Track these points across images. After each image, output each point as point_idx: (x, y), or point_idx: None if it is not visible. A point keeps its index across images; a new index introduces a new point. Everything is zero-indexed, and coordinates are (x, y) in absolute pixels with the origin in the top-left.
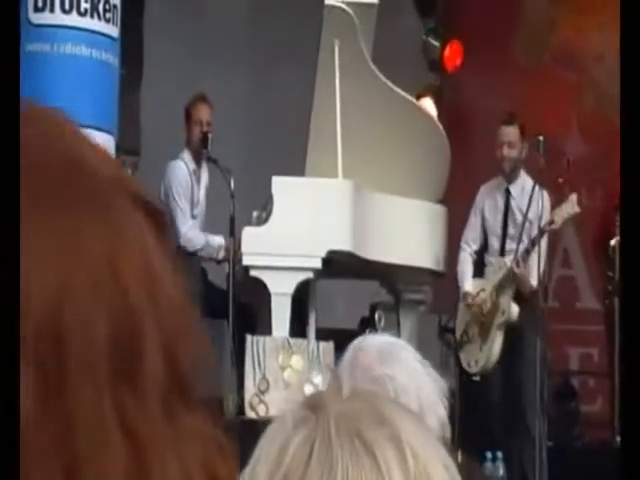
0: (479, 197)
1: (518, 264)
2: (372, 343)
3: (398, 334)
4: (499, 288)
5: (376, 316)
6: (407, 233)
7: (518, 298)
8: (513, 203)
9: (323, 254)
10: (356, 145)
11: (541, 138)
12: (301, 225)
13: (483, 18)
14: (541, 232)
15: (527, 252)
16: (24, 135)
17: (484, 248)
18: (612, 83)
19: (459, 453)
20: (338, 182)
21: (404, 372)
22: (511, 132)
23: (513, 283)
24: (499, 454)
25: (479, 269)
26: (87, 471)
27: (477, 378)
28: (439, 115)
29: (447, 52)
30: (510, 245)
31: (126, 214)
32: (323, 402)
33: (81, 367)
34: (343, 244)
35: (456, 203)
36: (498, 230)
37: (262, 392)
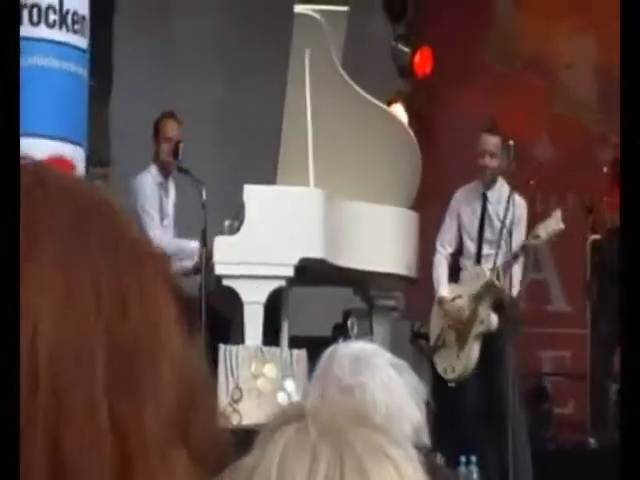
0: (455, 200)
1: (498, 276)
2: (345, 352)
3: (371, 340)
4: (477, 297)
5: (349, 323)
6: (379, 240)
7: (496, 307)
8: (490, 208)
9: (295, 262)
10: (327, 152)
11: (511, 143)
12: (273, 233)
13: (453, 24)
14: (524, 246)
15: (508, 264)
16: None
17: (459, 251)
18: (581, 88)
19: (438, 456)
20: (310, 190)
21: (376, 380)
22: (493, 142)
23: (492, 293)
24: (473, 458)
25: (454, 273)
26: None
27: (453, 384)
28: (409, 121)
29: (417, 58)
30: (487, 250)
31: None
32: (312, 411)
33: (78, 377)
34: (315, 251)
35: (427, 209)
36: (474, 234)
37: (235, 401)
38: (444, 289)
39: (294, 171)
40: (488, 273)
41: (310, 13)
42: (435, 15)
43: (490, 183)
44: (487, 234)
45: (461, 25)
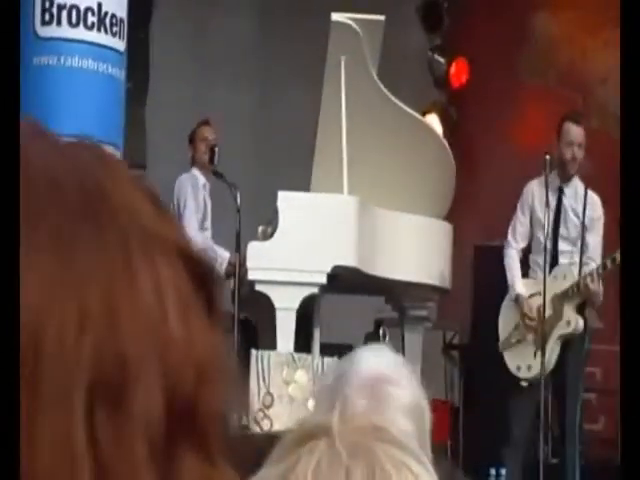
0: (527, 193)
1: (592, 279)
2: (358, 379)
3: (402, 350)
4: (563, 297)
5: (380, 332)
6: (412, 249)
7: (579, 310)
8: (566, 203)
9: (328, 269)
10: (361, 161)
11: (548, 157)
12: (306, 240)
13: (489, 35)
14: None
15: (604, 267)
16: (56, 164)
17: (530, 248)
18: (616, 103)
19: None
20: (344, 198)
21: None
22: (579, 131)
23: (580, 295)
24: (502, 471)
25: (522, 268)
26: None
27: (525, 384)
28: (444, 132)
29: (453, 69)
30: (563, 246)
31: (142, 255)
32: (332, 429)
33: (55, 391)
34: (348, 260)
35: (461, 220)
36: (548, 229)
37: (266, 407)
38: (520, 285)
39: (328, 178)
40: (576, 273)
41: (347, 21)
42: (471, 26)
43: (569, 177)
44: (562, 229)
45: (497, 36)
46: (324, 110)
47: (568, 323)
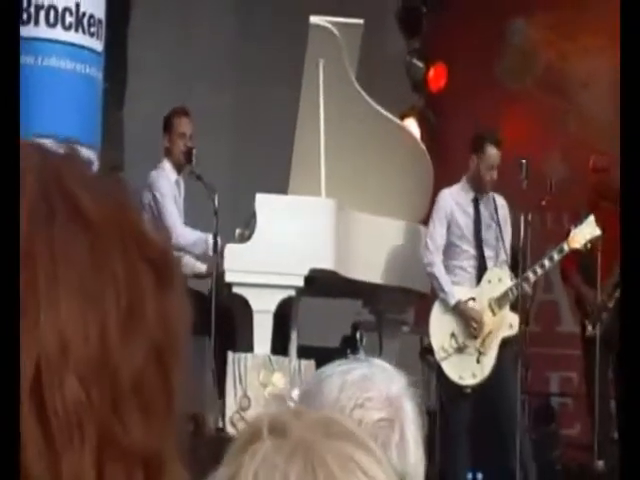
0: (444, 203)
1: (528, 281)
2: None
3: (379, 354)
4: (501, 300)
5: (358, 335)
6: (390, 253)
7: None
8: (482, 211)
9: (306, 272)
10: (339, 164)
11: (524, 161)
12: (284, 243)
13: (467, 40)
14: (560, 250)
15: (534, 272)
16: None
17: (444, 254)
18: (595, 108)
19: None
20: (321, 200)
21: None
22: (497, 155)
23: (513, 298)
24: (479, 475)
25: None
26: None
27: (469, 391)
28: (422, 136)
29: (431, 73)
30: (488, 252)
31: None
32: (288, 424)
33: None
34: (326, 263)
35: None
36: (471, 237)
37: (243, 409)
38: (456, 292)
39: (306, 180)
40: (508, 276)
41: (325, 24)
42: (450, 31)
43: (482, 191)
44: (484, 235)
45: (475, 41)
46: (302, 113)
47: (510, 326)
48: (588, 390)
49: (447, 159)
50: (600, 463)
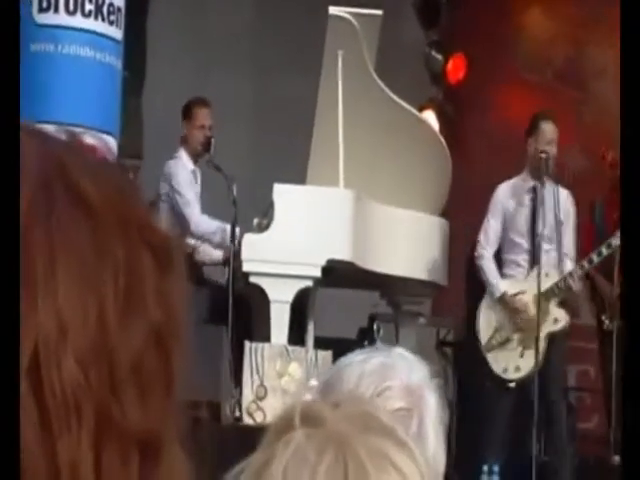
0: (499, 196)
1: (572, 276)
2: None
3: (397, 345)
4: (548, 294)
5: (375, 327)
6: (408, 245)
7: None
8: (540, 199)
9: (323, 263)
10: (358, 155)
11: (544, 155)
12: (302, 233)
13: (486, 31)
14: (609, 245)
15: (582, 267)
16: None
17: (501, 248)
18: (613, 99)
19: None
20: (340, 191)
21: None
22: (554, 130)
23: (562, 293)
24: (495, 468)
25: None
26: None
27: (512, 385)
28: (441, 128)
29: (450, 65)
30: (545, 246)
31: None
32: (322, 415)
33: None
34: (343, 254)
35: (457, 216)
36: (524, 230)
37: (260, 399)
38: (502, 284)
39: (324, 171)
40: (556, 271)
41: (344, 15)
42: (468, 22)
43: (542, 175)
44: (539, 228)
45: (494, 33)
46: (321, 104)
47: (555, 320)
48: (605, 384)
49: (466, 151)
50: (617, 457)
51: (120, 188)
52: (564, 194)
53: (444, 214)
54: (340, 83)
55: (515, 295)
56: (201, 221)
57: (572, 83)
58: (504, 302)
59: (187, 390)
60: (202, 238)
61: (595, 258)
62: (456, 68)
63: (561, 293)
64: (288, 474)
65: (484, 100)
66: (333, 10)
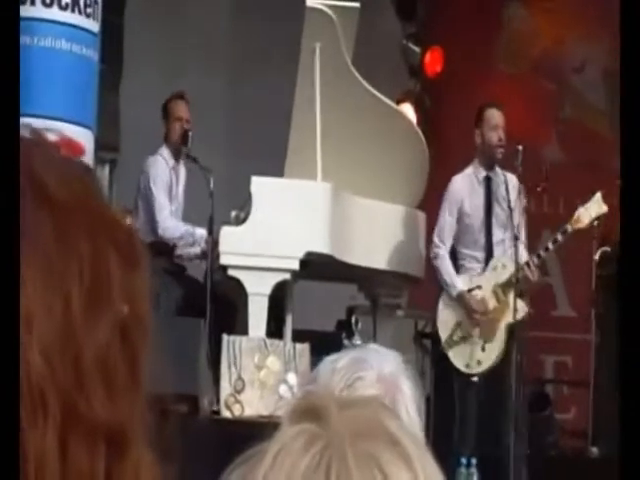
0: (453, 190)
1: (529, 266)
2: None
3: (374, 338)
4: (505, 286)
5: (352, 319)
6: (385, 237)
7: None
8: (494, 190)
9: (301, 255)
10: (335, 148)
11: (520, 147)
12: (279, 226)
13: (464, 24)
14: (564, 232)
15: (538, 256)
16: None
17: (456, 241)
18: (591, 93)
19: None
20: (317, 184)
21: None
22: (500, 115)
23: (519, 283)
24: (473, 460)
25: (454, 264)
26: None
27: (476, 379)
28: (418, 121)
29: (427, 58)
30: (497, 234)
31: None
32: (326, 412)
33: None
34: (321, 246)
35: (434, 209)
36: (480, 222)
37: (238, 392)
38: (458, 282)
39: (302, 164)
40: (512, 262)
41: (322, 7)
42: (446, 15)
43: (493, 164)
44: (493, 219)
45: (472, 25)
46: (298, 96)
47: (515, 311)
48: (596, 376)
49: (443, 144)
50: (594, 449)
51: (84, 185)
52: (513, 180)
53: (421, 206)
54: (317, 76)
55: (471, 290)
56: (168, 226)
57: (550, 77)
58: (462, 300)
59: (164, 383)
60: (170, 242)
61: (550, 245)
62: (434, 61)
63: (519, 284)
64: (276, 464)
65: (461, 93)
66: (310, 2)
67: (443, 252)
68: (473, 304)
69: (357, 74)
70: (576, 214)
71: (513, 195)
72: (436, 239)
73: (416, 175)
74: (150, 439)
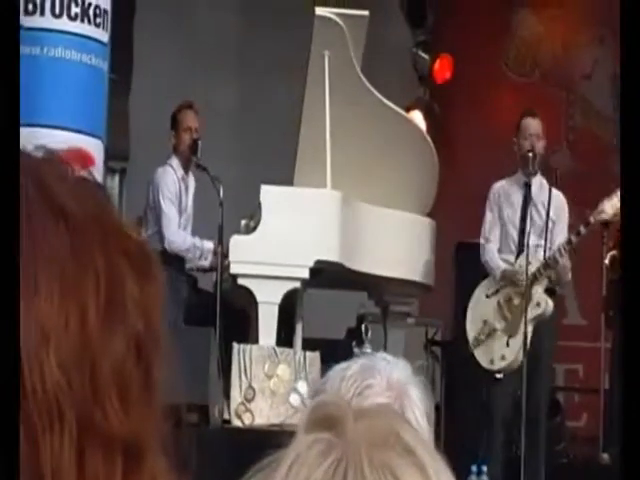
0: (494, 194)
1: (561, 253)
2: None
3: (385, 346)
4: (532, 279)
5: (363, 327)
6: (395, 245)
7: (548, 292)
8: (533, 197)
9: (311, 264)
10: (345, 156)
11: (530, 154)
12: (289, 234)
13: (473, 32)
14: (587, 223)
15: (569, 242)
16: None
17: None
18: (599, 100)
19: None
20: (327, 192)
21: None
22: (537, 124)
23: (548, 274)
24: (484, 468)
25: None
26: None
27: (500, 375)
28: (428, 128)
29: (437, 65)
30: (532, 240)
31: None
32: (342, 421)
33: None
34: (331, 254)
35: (444, 216)
36: (515, 225)
37: (248, 400)
38: (502, 264)
39: (311, 172)
40: (540, 256)
41: (331, 16)
42: (455, 22)
43: (533, 171)
44: (529, 225)
45: (481, 33)
46: (308, 105)
47: (538, 304)
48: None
49: (453, 151)
50: (605, 456)
51: (98, 202)
52: (556, 194)
53: (431, 214)
54: (327, 84)
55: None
56: (174, 240)
57: (560, 84)
58: (506, 276)
59: (175, 393)
60: (176, 255)
61: (573, 238)
62: (443, 68)
63: (545, 275)
64: (291, 473)
65: (471, 100)
66: (320, 11)
67: (489, 246)
68: (518, 270)
69: (366, 82)
70: (599, 207)
71: (554, 207)
72: (482, 240)
73: (426, 182)
74: (165, 449)
